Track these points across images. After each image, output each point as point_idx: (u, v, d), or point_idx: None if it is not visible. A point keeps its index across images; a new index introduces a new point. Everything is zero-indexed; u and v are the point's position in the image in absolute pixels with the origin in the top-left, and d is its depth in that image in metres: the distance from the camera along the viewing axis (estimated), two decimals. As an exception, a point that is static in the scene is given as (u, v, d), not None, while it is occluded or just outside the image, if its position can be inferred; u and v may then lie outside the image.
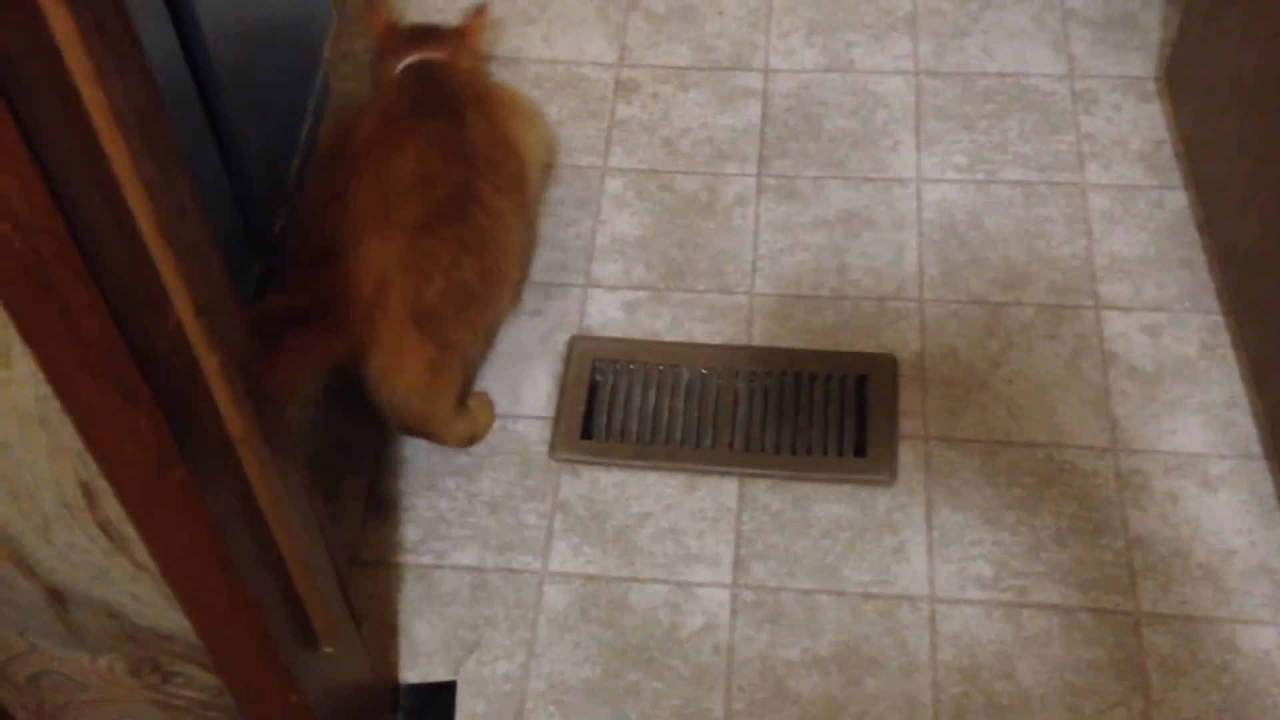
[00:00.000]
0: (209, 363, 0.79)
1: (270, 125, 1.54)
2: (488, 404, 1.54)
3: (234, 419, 0.83)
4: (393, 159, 1.38)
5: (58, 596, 0.87)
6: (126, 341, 0.71)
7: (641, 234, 1.70)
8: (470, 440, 1.51)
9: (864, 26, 1.90)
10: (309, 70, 1.67)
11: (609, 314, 1.62)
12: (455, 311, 1.37)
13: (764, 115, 1.81)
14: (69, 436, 0.75)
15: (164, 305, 0.75)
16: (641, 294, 1.64)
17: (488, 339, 1.52)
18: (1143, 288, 1.60)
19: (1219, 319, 1.56)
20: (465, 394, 1.49)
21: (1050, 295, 1.60)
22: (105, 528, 0.80)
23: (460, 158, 1.41)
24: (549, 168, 1.69)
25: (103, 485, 0.77)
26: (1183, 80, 1.66)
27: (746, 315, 1.61)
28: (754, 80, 1.85)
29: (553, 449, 1.49)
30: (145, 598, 0.86)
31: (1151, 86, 1.80)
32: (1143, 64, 1.82)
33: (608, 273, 1.66)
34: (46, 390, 0.72)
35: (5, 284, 0.66)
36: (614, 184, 1.75)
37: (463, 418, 1.48)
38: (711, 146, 1.78)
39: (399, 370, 1.35)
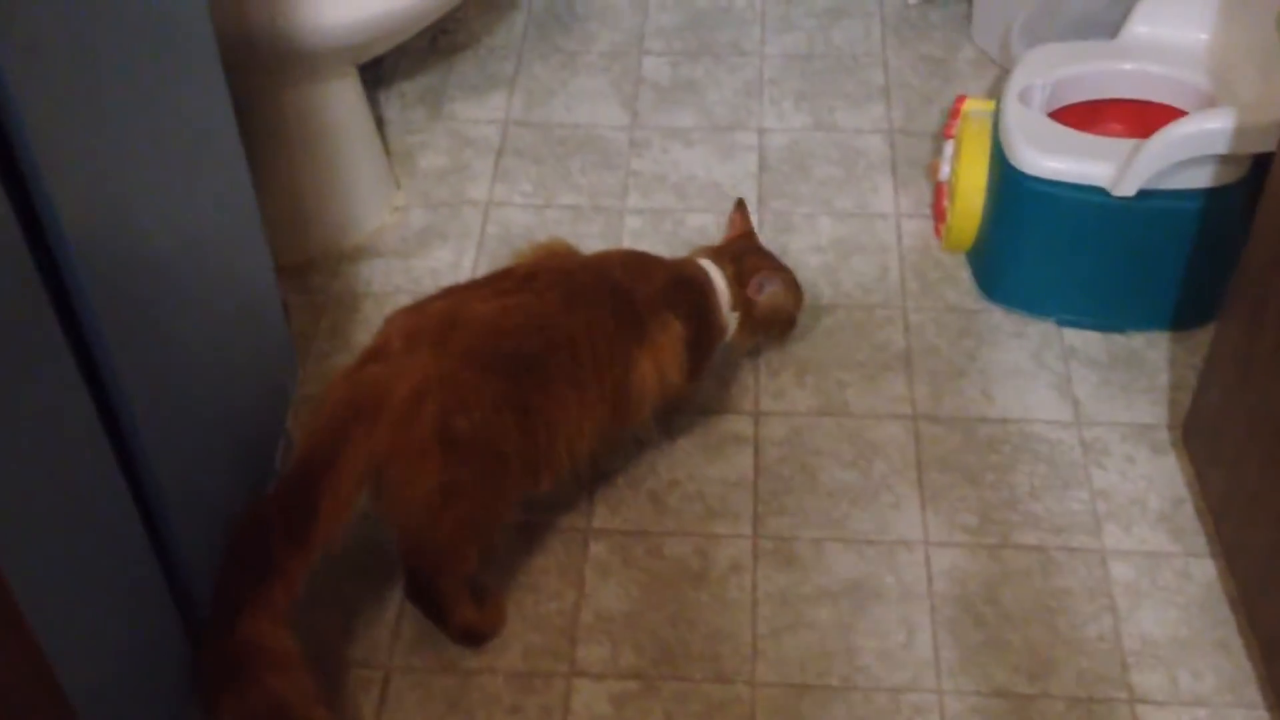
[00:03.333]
0: None
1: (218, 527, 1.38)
2: (501, 608, 1.55)
3: None
4: (476, 302, 1.46)
5: None
6: None
7: (629, 609, 1.55)
8: (473, 635, 1.51)
9: (856, 365, 1.81)
10: (267, 450, 1.53)
11: (596, 709, 1.46)
12: (481, 456, 1.39)
13: (756, 466, 1.69)
14: None
15: None
16: (631, 684, 1.48)
17: (508, 508, 1.48)
18: (1178, 677, 1.47)
19: (1264, 715, 1.43)
20: (475, 562, 1.47)
21: (1079, 687, 1.46)
22: None
23: (540, 335, 1.45)
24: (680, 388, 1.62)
25: None
26: (1205, 434, 1.56)
27: (748, 711, 1.46)
28: (744, 425, 1.74)
29: None
30: None
31: (1164, 435, 1.70)
32: (1152, 409, 1.73)
33: (594, 657, 1.51)
34: None
35: None
36: (598, 548, 1.61)
37: (469, 603, 1.49)
38: (701, 502, 1.66)
39: (411, 483, 1.36)
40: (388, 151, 2.12)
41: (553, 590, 1.57)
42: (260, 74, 1.78)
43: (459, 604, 1.49)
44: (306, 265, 1.96)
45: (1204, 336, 1.81)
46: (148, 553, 1.19)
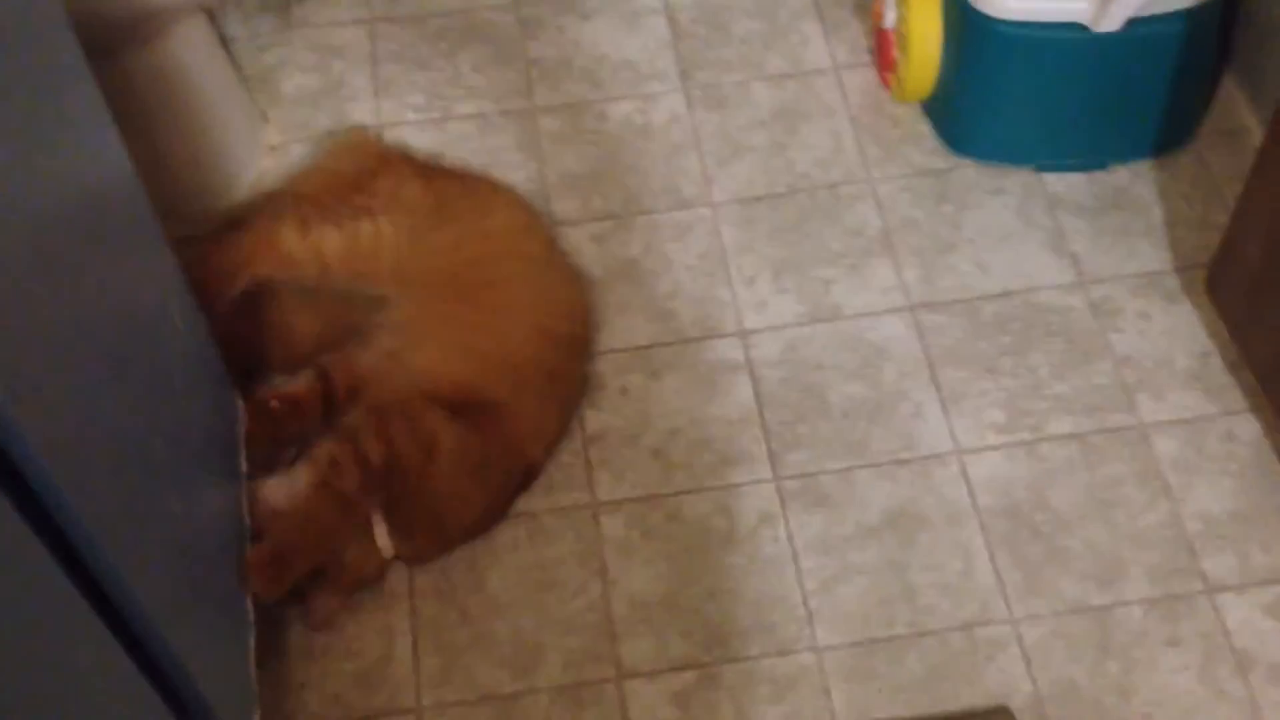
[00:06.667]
0: None
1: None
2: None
3: None
4: None
5: None
6: None
7: (663, 589, 1.41)
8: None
9: (835, 256, 1.64)
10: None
11: (659, 713, 1.34)
12: None
13: (757, 395, 1.54)
14: None
15: None
16: (688, 676, 1.36)
17: None
18: (1249, 554, 1.40)
19: (1345, 582, 1.38)
20: None
21: (1153, 586, 1.39)
22: None
23: None
24: None
25: None
26: (1240, 289, 1.44)
27: (819, 682, 1.35)
28: (733, 349, 1.58)
29: None
30: None
31: (1174, 281, 1.60)
32: (1155, 254, 1.62)
33: (640, 653, 1.37)
34: None
35: None
36: (611, 524, 1.46)
37: None
38: (709, 449, 1.51)
39: None
40: (243, 78, 1.82)
41: (576, 584, 1.42)
42: (106, 39, 1.47)
43: None
44: (189, 241, 1.68)
45: (1187, 160, 1.70)
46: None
